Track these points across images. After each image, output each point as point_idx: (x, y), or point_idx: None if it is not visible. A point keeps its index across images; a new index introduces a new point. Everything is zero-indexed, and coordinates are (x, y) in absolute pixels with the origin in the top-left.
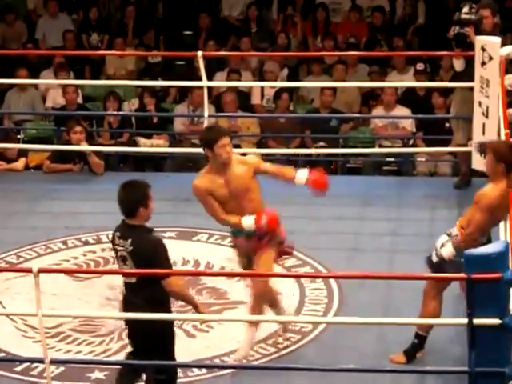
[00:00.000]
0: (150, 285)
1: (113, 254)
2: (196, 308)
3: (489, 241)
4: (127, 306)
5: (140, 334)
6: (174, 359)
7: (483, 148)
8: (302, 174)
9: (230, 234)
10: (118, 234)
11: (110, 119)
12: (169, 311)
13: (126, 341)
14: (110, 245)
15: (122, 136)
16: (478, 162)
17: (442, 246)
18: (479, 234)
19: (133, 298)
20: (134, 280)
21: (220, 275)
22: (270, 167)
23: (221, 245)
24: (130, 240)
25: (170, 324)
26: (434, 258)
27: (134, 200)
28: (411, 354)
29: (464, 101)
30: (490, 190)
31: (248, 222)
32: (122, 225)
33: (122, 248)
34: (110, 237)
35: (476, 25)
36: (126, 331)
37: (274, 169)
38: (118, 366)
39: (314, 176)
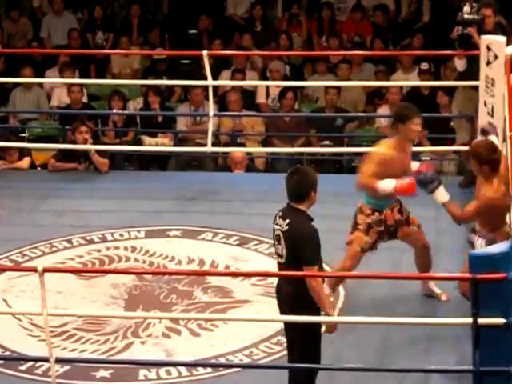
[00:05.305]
0: (297, 269)
1: (118, 252)
2: (326, 311)
3: None
4: (280, 294)
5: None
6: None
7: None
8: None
9: (369, 212)
10: (280, 214)
11: (114, 118)
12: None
13: (131, 339)
14: (272, 224)
15: (127, 135)
16: None
17: None
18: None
19: (285, 285)
20: (283, 260)
21: (225, 275)
22: None
23: (226, 243)
24: (287, 220)
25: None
26: None
27: (306, 184)
28: None
29: (466, 100)
30: (488, 191)
31: (389, 183)
32: (286, 207)
33: (278, 227)
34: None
35: (478, 24)
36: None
37: None
38: (123, 365)
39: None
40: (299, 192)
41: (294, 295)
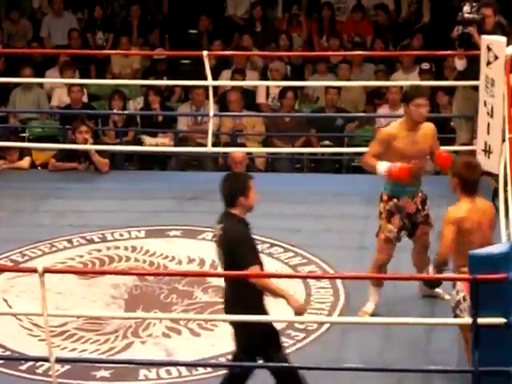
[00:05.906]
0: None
1: (118, 252)
2: (287, 300)
3: None
4: (226, 304)
5: (240, 332)
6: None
7: None
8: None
9: (386, 198)
10: (218, 219)
11: (115, 118)
12: (262, 308)
13: (131, 339)
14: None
15: (127, 135)
16: (483, 162)
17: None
18: (455, 255)
19: (228, 293)
20: (222, 265)
21: (225, 275)
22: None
23: None
24: (221, 225)
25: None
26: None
27: (235, 190)
28: None
29: (466, 100)
30: (452, 208)
31: (382, 166)
32: (223, 212)
33: (216, 233)
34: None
35: (478, 24)
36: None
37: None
38: (123, 364)
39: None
40: (229, 197)
41: (234, 298)
